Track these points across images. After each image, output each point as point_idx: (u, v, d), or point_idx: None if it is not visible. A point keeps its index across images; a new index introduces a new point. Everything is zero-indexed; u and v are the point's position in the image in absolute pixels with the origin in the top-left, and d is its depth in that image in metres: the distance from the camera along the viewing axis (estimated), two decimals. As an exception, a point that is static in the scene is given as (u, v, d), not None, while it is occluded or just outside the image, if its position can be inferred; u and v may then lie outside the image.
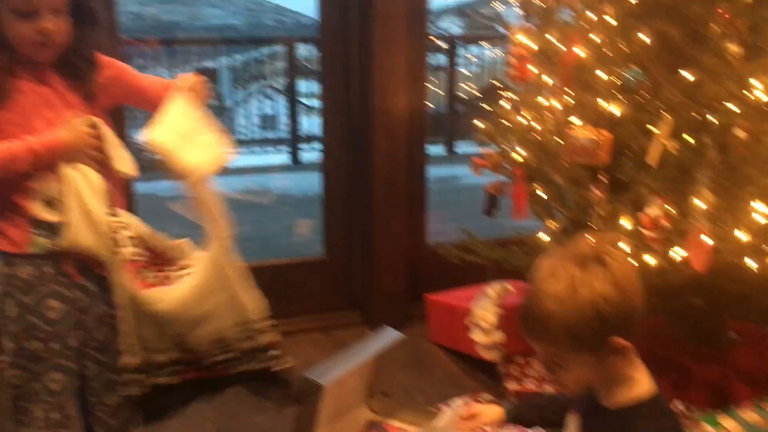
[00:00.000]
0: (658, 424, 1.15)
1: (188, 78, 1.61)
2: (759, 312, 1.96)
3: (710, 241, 1.60)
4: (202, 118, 1.61)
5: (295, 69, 6.10)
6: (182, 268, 1.78)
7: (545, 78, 2.00)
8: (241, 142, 8.38)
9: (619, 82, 1.76)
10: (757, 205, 1.61)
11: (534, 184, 2.11)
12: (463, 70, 6.66)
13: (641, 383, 1.18)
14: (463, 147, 6.07)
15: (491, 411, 1.50)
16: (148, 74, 1.76)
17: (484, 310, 2.17)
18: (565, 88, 1.89)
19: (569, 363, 1.16)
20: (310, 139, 6.09)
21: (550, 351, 1.16)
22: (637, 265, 1.67)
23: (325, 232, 2.75)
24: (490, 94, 2.35)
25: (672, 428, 1.17)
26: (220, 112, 11.12)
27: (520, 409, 1.50)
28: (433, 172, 4.90)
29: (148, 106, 1.65)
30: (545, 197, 2.08)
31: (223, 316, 1.72)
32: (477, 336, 2.19)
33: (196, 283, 1.68)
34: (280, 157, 6.21)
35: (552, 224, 2.10)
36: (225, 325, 1.73)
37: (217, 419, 2.09)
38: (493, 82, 2.85)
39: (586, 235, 1.19)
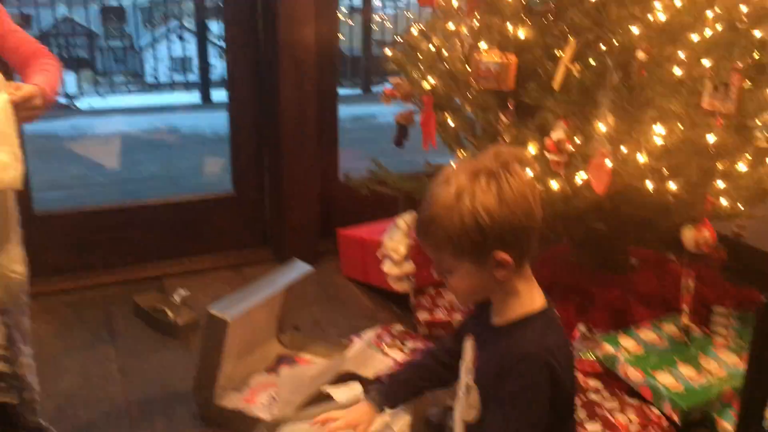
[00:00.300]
0: (541, 334, 1.17)
1: (20, 89, 1.36)
2: (657, 237, 2.03)
3: (611, 164, 1.62)
4: (7, 133, 1.35)
5: (204, 7, 5.85)
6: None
7: (453, 1, 1.96)
8: (153, 86, 8.05)
9: (524, 4, 1.73)
10: (656, 127, 1.63)
11: (443, 113, 2.09)
12: (380, 12, 6.54)
13: (531, 299, 1.20)
14: (379, 88, 6.01)
15: (362, 413, 1.41)
16: (24, 33, 1.58)
17: (395, 241, 2.15)
18: (473, 12, 1.86)
19: (455, 270, 1.16)
20: (224, 81, 5.89)
21: (438, 256, 1.17)
22: (538, 185, 1.68)
23: (233, 168, 2.66)
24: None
25: (557, 341, 1.18)
26: (131, 54, 10.63)
27: (387, 393, 1.44)
28: (349, 110, 4.84)
29: (10, 62, 1.51)
30: (454, 126, 2.06)
31: None
32: (388, 267, 2.18)
33: None
34: (191, 96, 5.98)
35: (461, 153, 2.10)
36: None
37: None
38: (407, 14, 2.78)
39: (494, 148, 1.17)
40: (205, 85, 5.89)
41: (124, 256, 2.51)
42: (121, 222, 2.52)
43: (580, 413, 1.69)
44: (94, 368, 1.99)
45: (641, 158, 1.63)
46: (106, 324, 2.22)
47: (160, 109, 4.99)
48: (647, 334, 1.90)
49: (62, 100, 5.70)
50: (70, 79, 6.92)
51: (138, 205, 2.65)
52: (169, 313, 2.23)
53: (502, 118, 1.83)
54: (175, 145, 4.38)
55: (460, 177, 1.11)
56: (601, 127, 1.63)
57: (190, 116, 5.15)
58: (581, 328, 2.02)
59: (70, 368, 1.98)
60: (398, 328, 2.16)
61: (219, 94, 5.58)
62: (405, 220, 2.18)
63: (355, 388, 1.74)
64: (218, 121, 4.40)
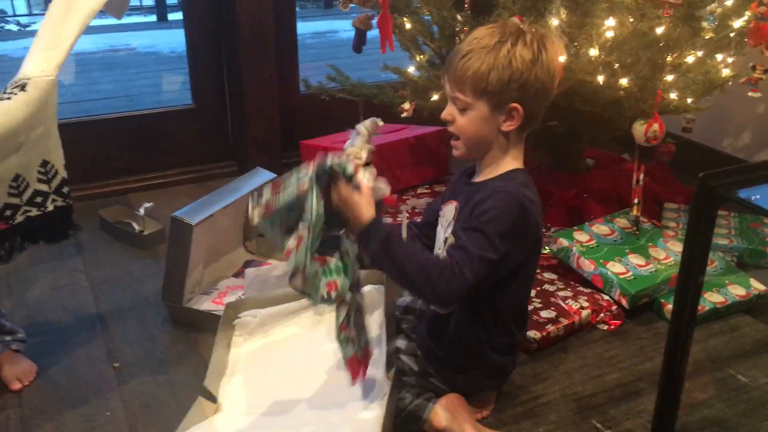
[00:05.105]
0: (521, 184, 1.27)
1: None
2: (610, 134, 2.08)
3: (563, 59, 1.64)
4: None
5: None
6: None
7: None
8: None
9: None
10: (608, 21, 1.66)
11: (401, 16, 2.08)
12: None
13: (516, 164, 1.31)
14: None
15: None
16: None
17: (356, 147, 2.17)
18: None
19: (470, 109, 1.25)
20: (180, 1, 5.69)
21: (459, 91, 1.25)
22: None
23: (192, 81, 2.62)
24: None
25: (533, 197, 1.26)
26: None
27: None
28: (311, 26, 4.74)
29: None
30: (410, 28, 2.05)
31: None
32: (350, 174, 2.20)
33: None
34: (147, 20, 5.79)
35: (419, 58, 2.10)
36: None
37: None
38: None
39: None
40: (160, 6, 5.71)
41: (87, 173, 2.50)
42: (81, 138, 2.49)
43: (535, 302, 1.77)
44: (63, 279, 2.01)
45: (593, 52, 1.66)
46: (73, 238, 2.23)
47: (116, 27, 4.82)
48: (600, 228, 1.97)
49: (12, 24, 5.50)
50: (20, 2, 6.65)
51: (98, 119, 2.61)
52: (135, 225, 2.25)
53: (458, 17, 1.84)
54: (132, 63, 4.28)
55: (505, 29, 1.22)
56: (554, 21, 1.65)
57: (146, 34, 4.99)
58: (538, 225, 2.09)
59: (37, 280, 2.00)
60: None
61: (175, 17, 5.42)
62: (366, 126, 2.18)
63: None
64: (175, 39, 4.30)
